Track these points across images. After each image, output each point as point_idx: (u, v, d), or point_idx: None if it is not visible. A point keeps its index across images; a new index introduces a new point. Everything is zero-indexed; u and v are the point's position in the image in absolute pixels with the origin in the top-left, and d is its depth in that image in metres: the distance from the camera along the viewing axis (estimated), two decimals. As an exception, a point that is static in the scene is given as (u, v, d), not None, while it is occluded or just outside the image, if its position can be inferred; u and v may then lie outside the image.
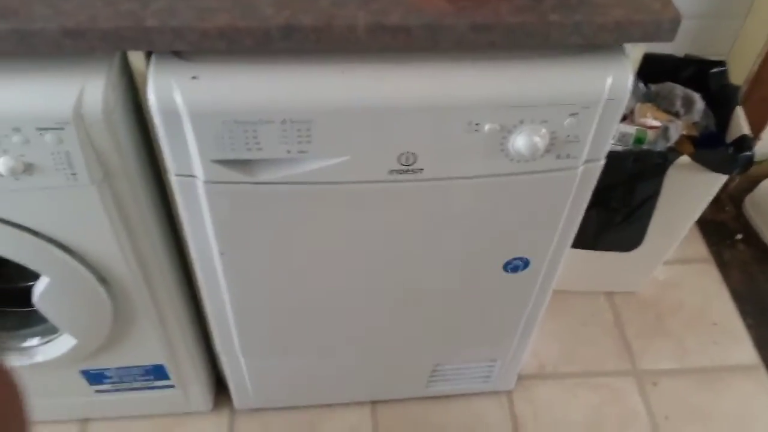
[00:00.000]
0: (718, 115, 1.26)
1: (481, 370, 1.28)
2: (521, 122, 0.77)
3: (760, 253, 1.65)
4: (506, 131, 0.78)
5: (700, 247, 1.66)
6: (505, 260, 0.98)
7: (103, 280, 0.94)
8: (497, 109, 0.76)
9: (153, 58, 0.74)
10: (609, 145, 0.84)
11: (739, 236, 1.69)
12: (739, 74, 1.46)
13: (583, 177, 0.86)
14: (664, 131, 1.15)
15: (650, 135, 1.15)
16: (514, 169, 0.83)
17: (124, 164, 0.80)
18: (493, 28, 0.73)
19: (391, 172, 0.81)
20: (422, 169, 0.82)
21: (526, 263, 0.99)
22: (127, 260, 0.91)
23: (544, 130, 0.78)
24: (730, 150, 1.16)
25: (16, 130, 0.73)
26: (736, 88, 1.25)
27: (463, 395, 1.36)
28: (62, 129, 0.73)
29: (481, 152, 0.80)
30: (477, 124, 0.77)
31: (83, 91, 0.73)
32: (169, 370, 1.17)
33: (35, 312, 0.98)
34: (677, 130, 1.16)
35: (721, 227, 1.70)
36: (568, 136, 0.80)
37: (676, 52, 1.30)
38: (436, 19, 0.72)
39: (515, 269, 1.00)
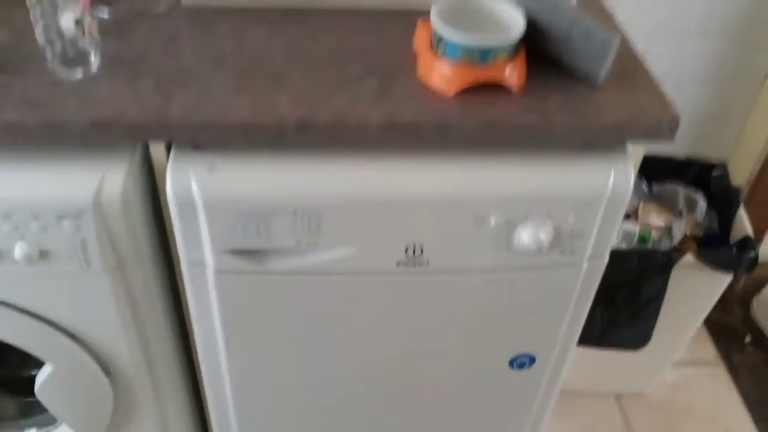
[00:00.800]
0: (720, 216, 1.28)
1: (488, 473, 1.24)
2: (526, 217, 0.79)
3: (770, 357, 1.63)
4: (511, 225, 0.80)
5: (709, 349, 1.64)
6: (511, 356, 0.97)
7: (106, 370, 0.93)
8: (503, 203, 0.78)
9: (173, 149, 0.77)
10: (612, 241, 0.86)
11: (748, 339, 1.67)
12: (740, 175, 1.50)
13: (588, 274, 0.87)
14: (668, 231, 1.17)
15: (654, 234, 1.17)
16: (518, 263, 0.84)
17: (138, 252, 0.81)
18: (500, 128, 0.76)
19: (398, 264, 0.82)
20: (428, 262, 0.83)
21: (531, 360, 0.98)
22: (133, 349, 0.91)
23: (548, 225, 0.80)
24: (734, 250, 1.17)
25: (35, 216, 0.75)
26: (738, 191, 1.28)
27: (468, 500, 1.31)
28: (80, 217, 0.75)
29: (486, 246, 0.82)
30: (482, 218, 0.79)
31: (103, 180, 0.75)
32: (166, 463, 1.13)
33: (36, 402, 0.97)
34: (681, 229, 1.17)
35: (729, 329, 1.68)
36: (573, 231, 0.81)
37: (678, 154, 1.34)
38: (446, 118, 0.75)
39: (521, 366, 0.99)
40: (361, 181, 0.77)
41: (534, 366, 0.99)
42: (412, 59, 0.82)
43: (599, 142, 0.79)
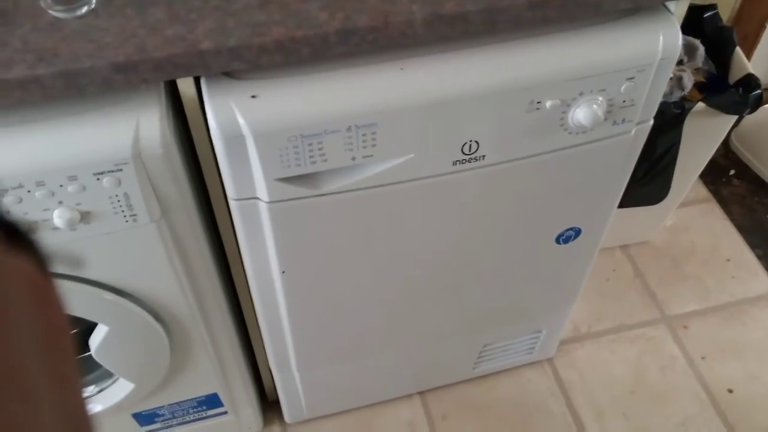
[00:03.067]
0: (715, 58, 1.28)
1: (527, 342, 1.29)
2: (581, 94, 0.77)
3: (755, 186, 1.71)
4: (566, 105, 0.78)
5: (699, 188, 1.70)
6: (558, 232, 0.98)
7: (159, 319, 0.90)
8: (558, 84, 0.75)
9: (204, 81, 0.70)
10: (658, 104, 0.85)
11: (732, 172, 1.74)
12: (723, 14, 1.49)
13: (635, 139, 0.87)
14: (678, 81, 1.16)
15: (665, 87, 1.16)
16: (572, 142, 0.82)
17: (182, 197, 0.76)
18: (548, 4, 0.71)
19: (455, 163, 0.80)
20: (484, 156, 0.80)
21: (577, 232, 0.99)
22: (186, 295, 0.87)
23: (601, 99, 0.78)
24: (740, 91, 1.18)
25: (72, 178, 0.69)
26: (731, 29, 1.27)
27: (508, 370, 1.37)
28: (120, 170, 0.69)
29: (541, 130, 0.79)
30: (538, 103, 0.76)
31: (138, 126, 0.69)
32: (223, 397, 1.13)
33: (84, 360, 0.94)
34: (690, 78, 1.17)
35: (713, 166, 1.74)
36: (624, 101, 0.80)
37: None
38: (492, 1, 0.70)
39: (567, 240, 1.00)
40: (412, 84, 0.72)
41: (579, 237, 1.00)
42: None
43: (644, 5, 0.76)
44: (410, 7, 0.70)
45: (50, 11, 0.68)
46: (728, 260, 1.56)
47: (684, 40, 1.25)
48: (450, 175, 0.81)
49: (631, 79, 0.77)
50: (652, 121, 0.86)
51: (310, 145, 0.72)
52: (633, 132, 0.85)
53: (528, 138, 0.80)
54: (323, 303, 0.97)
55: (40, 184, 0.68)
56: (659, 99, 0.83)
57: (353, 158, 0.75)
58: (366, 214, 0.83)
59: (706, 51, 1.30)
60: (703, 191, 1.70)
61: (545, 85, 0.75)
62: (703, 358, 1.40)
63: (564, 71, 0.75)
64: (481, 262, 0.99)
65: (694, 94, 1.25)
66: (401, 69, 0.72)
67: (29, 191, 0.68)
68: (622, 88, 0.78)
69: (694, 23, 1.32)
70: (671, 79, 1.17)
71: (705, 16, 1.30)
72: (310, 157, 0.73)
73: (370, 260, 0.91)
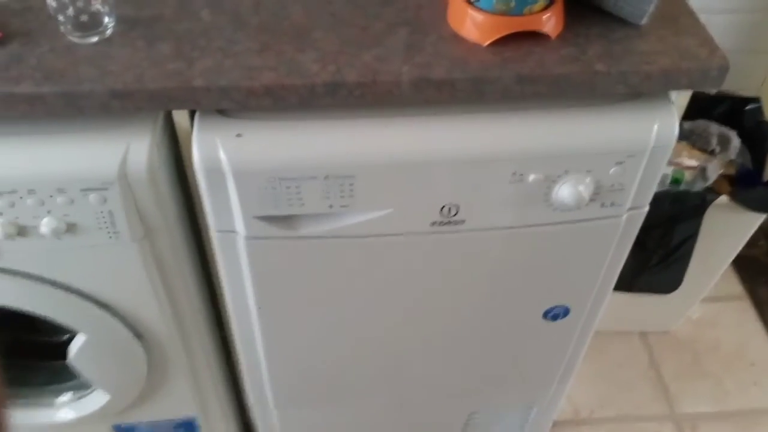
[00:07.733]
0: (753, 153, 1.24)
1: (517, 417, 1.25)
2: (566, 172, 0.76)
3: (796, 290, 1.62)
4: (550, 181, 0.77)
5: (734, 284, 1.63)
6: (545, 309, 0.96)
7: (139, 335, 0.92)
8: (542, 159, 0.75)
9: (197, 115, 0.74)
10: (653, 191, 0.83)
11: (773, 272, 1.66)
12: (769, 110, 1.45)
13: (627, 224, 0.85)
14: (702, 171, 1.14)
15: (687, 175, 1.14)
16: (557, 219, 0.81)
17: (166, 221, 0.79)
18: (539, 80, 0.72)
19: (433, 224, 0.80)
20: (464, 221, 0.80)
21: (566, 311, 0.97)
22: (165, 315, 0.90)
23: (588, 180, 0.77)
24: (769, 189, 1.14)
25: (61, 191, 0.73)
26: (771, 126, 1.23)
27: (498, 443, 1.33)
28: (106, 189, 0.73)
29: (524, 202, 0.79)
30: (521, 175, 0.76)
31: (128, 150, 0.72)
32: (200, 422, 1.14)
33: (66, 366, 0.97)
34: (715, 169, 1.14)
35: (754, 263, 1.67)
36: (613, 185, 0.79)
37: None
38: (481, 72, 0.71)
39: (555, 317, 0.98)
40: (394, 141, 0.73)
41: (568, 317, 0.98)
42: (441, 6, 0.78)
43: (642, 91, 0.75)
44: (401, 67, 0.72)
45: (69, 36, 0.74)
46: (753, 364, 1.48)
47: (718, 130, 1.23)
48: (428, 235, 0.81)
49: (620, 163, 0.76)
50: (647, 208, 0.84)
51: (287, 188, 0.74)
52: (624, 217, 0.83)
53: (510, 209, 0.80)
54: (300, 343, 0.97)
55: (31, 191, 0.73)
56: (654, 186, 0.82)
57: (330, 206, 0.77)
58: (343, 261, 0.84)
59: (746, 144, 1.27)
60: (738, 288, 1.63)
61: (528, 158, 0.75)
62: (708, 463, 1.32)
63: (547, 147, 0.74)
64: (463, 322, 0.98)
65: (723, 186, 1.21)
66: (385, 126, 0.74)
67: (21, 197, 0.73)
68: (611, 171, 0.77)
69: (736, 114, 1.29)
70: (695, 168, 1.15)
71: (747, 108, 1.27)
72: (288, 199, 0.75)
73: (348, 306, 0.92)
